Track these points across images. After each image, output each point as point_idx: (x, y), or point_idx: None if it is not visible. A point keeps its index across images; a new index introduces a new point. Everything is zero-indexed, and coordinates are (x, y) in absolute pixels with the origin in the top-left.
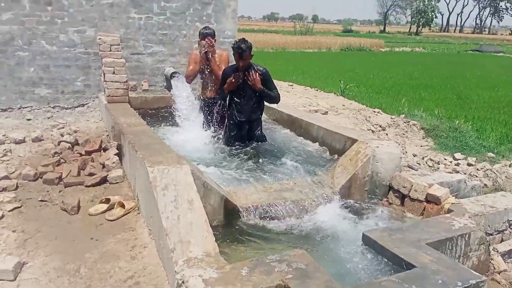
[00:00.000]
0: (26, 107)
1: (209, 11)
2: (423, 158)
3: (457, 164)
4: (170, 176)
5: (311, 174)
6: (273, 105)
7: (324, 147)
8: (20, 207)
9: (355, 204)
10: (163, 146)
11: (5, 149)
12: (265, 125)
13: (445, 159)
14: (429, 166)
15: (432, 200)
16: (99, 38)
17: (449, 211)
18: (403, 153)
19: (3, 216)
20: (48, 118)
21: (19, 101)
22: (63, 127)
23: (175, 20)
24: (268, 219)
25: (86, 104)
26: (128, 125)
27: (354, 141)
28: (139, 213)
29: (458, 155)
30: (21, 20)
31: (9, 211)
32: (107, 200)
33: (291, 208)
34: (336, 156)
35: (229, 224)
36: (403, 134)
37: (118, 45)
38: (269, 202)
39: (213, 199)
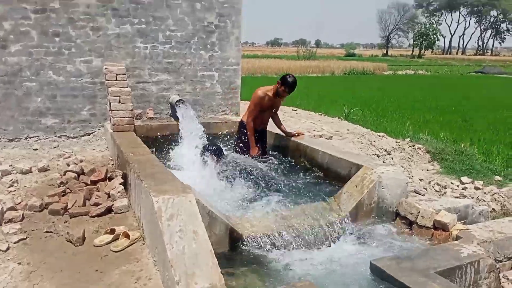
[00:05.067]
0: (33, 137)
1: (213, 39)
2: (429, 183)
3: (464, 188)
4: (175, 206)
5: (317, 201)
6: (275, 131)
7: (329, 173)
8: (26, 238)
9: (362, 231)
10: (167, 175)
11: (12, 180)
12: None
13: (452, 183)
14: (436, 191)
15: (439, 226)
16: (105, 68)
17: (458, 237)
18: (409, 178)
19: (8, 248)
20: (55, 147)
21: (26, 131)
22: (69, 157)
23: (180, 49)
24: (274, 247)
25: (92, 133)
26: (133, 154)
27: (359, 166)
28: (144, 244)
29: (465, 178)
30: (29, 51)
31: (15, 242)
32: (112, 231)
33: (298, 236)
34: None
35: (234, 253)
36: (409, 158)
37: (124, 74)
38: (275, 230)
39: (218, 228)
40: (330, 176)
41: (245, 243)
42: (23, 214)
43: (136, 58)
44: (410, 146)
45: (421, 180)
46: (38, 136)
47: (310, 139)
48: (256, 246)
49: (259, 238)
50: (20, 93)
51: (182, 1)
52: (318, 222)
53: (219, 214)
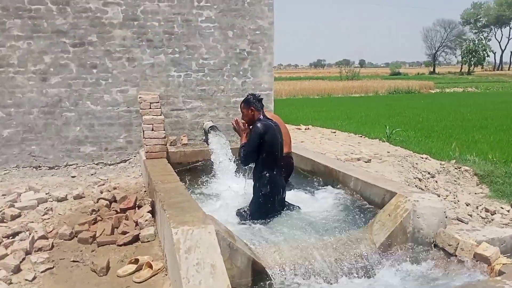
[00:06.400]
0: (72, 165)
1: (245, 66)
2: (477, 207)
3: None
4: (194, 237)
5: (347, 231)
6: (308, 155)
7: (362, 200)
8: (53, 267)
9: (396, 264)
10: (191, 204)
11: (47, 208)
12: (300, 176)
13: (502, 207)
14: (482, 218)
15: (480, 260)
16: (140, 97)
17: (501, 273)
18: (455, 202)
19: (35, 277)
20: (92, 174)
21: (65, 159)
22: (103, 184)
23: (213, 76)
24: (300, 280)
25: (128, 160)
26: (161, 182)
27: (393, 194)
28: (166, 275)
29: None
30: (68, 83)
31: (42, 272)
32: (136, 261)
33: (326, 269)
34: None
35: (257, 286)
36: (455, 181)
37: (158, 102)
38: (302, 262)
39: (239, 261)
40: (363, 203)
41: (268, 276)
42: (52, 243)
43: (170, 86)
44: (456, 168)
45: (468, 204)
46: (77, 164)
47: (343, 164)
48: (280, 279)
49: (283, 270)
50: (60, 123)
51: (214, 30)
52: (348, 253)
53: (241, 245)
